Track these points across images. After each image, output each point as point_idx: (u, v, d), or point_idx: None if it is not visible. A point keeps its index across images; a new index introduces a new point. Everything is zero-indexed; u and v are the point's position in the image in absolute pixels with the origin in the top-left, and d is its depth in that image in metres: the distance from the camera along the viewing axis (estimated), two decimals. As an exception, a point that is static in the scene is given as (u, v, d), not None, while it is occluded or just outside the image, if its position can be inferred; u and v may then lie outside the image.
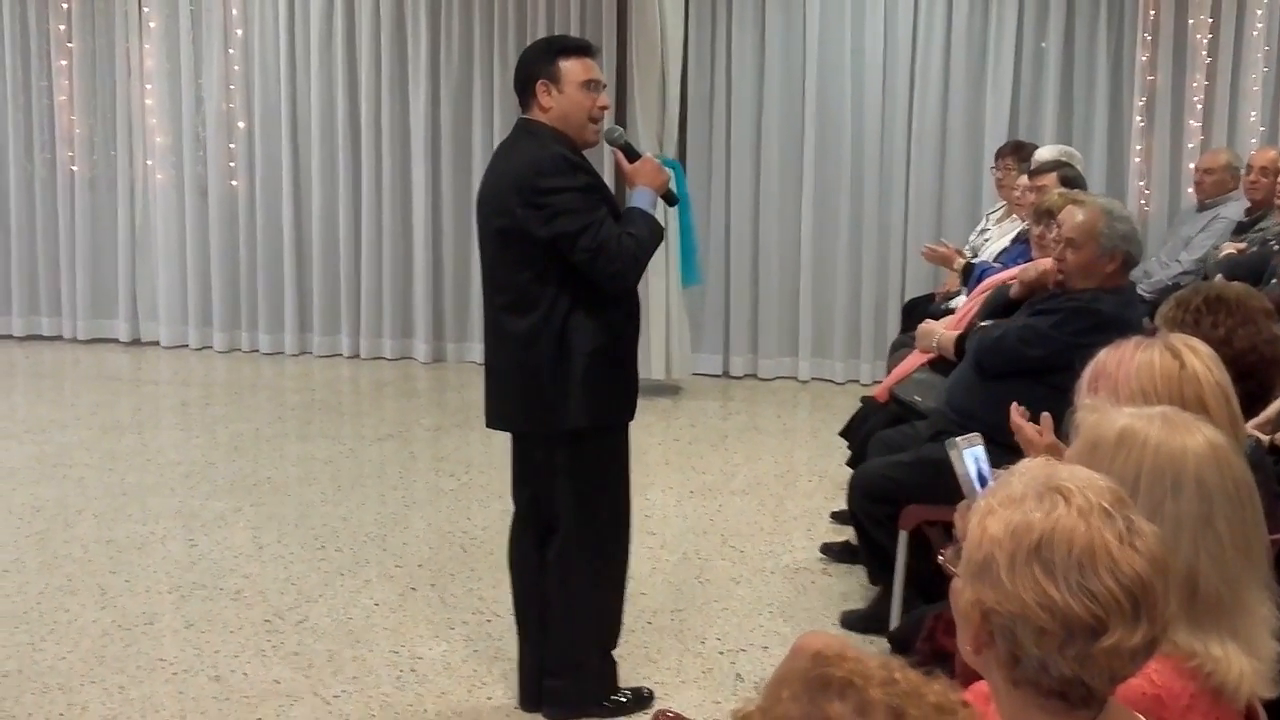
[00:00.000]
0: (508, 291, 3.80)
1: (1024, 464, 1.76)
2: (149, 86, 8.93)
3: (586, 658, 3.97)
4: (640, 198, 3.86)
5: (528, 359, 3.77)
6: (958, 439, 2.78)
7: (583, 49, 3.85)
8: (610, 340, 3.82)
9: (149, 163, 9.01)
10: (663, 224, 3.95)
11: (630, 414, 3.94)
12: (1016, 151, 6.72)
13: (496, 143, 8.38)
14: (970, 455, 2.75)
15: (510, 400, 3.88)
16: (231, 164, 8.95)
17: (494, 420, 4.01)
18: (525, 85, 3.80)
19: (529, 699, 4.04)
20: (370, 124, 8.75)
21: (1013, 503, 1.67)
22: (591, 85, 3.79)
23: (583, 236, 3.65)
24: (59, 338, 9.27)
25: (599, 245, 3.65)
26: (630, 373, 3.92)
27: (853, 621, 4.66)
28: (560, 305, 3.73)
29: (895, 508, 4.37)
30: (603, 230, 3.67)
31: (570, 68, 3.77)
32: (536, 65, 3.78)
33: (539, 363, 3.75)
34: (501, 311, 3.83)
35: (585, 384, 3.76)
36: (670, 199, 4.01)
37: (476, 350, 8.78)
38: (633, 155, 3.95)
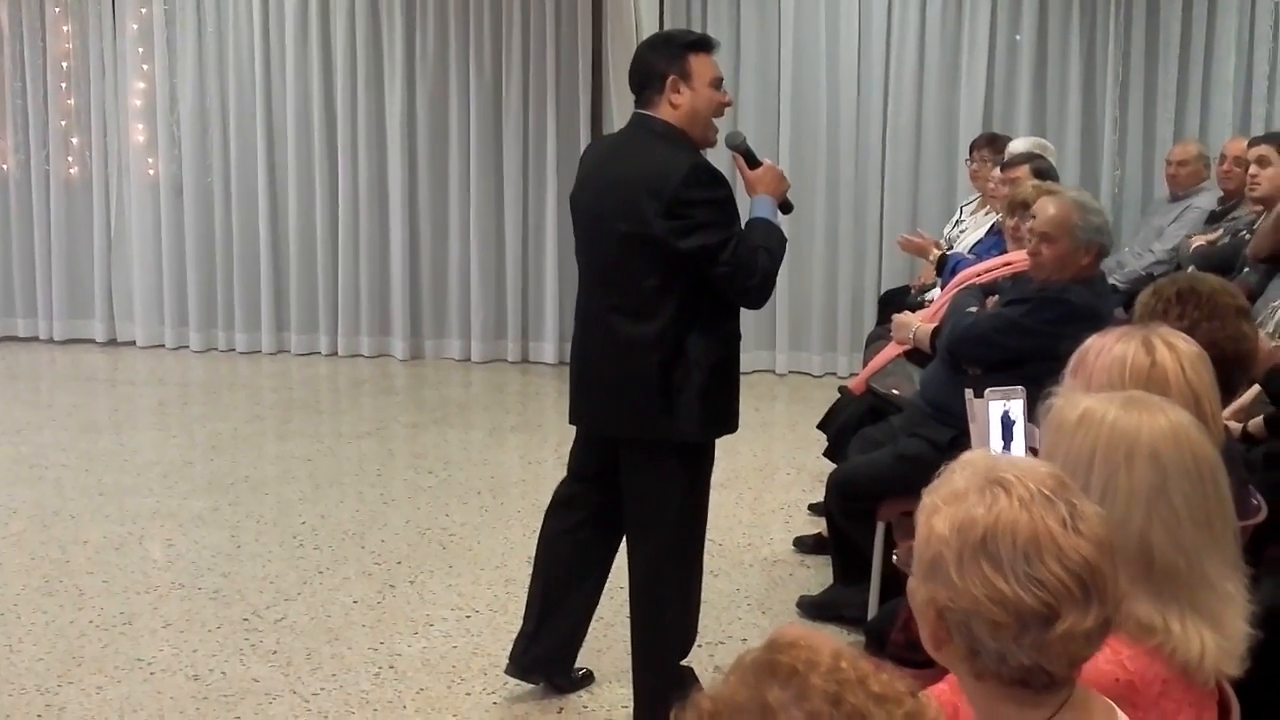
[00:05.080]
0: (626, 295, 3.70)
1: (966, 457, 1.77)
2: (123, 86, 8.89)
3: (673, 667, 3.90)
4: (762, 207, 3.78)
5: (641, 366, 3.68)
6: (997, 389, 2.76)
7: (709, 44, 3.77)
8: (726, 354, 3.79)
9: (124, 162, 8.96)
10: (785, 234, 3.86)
11: (735, 427, 3.89)
12: (991, 143, 6.75)
13: (474, 138, 8.58)
14: (998, 408, 2.73)
15: (613, 404, 3.79)
16: (207, 162, 8.92)
17: (587, 421, 3.93)
18: (651, 81, 3.69)
19: (519, 667, 4.04)
20: (346, 120, 8.72)
21: (955, 499, 1.68)
22: (718, 83, 3.73)
23: (723, 251, 3.57)
24: (35, 339, 9.21)
25: (739, 261, 3.59)
26: (738, 387, 3.86)
27: (807, 608, 4.69)
28: (682, 316, 3.66)
29: (872, 504, 4.38)
30: (742, 246, 3.60)
31: (701, 64, 3.69)
32: (666, 61, 3.68)
33: (653, 371, 3.67)
34: (615, 314, 3.73)
35: (701, 397, 3.70)
36: (787, 207, 3.88)
37: (454, 347, 8.80)
38: (754, 161, 3.85)
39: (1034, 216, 4.29)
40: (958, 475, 1.71)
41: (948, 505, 1.68)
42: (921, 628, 1.71)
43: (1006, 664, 1.64)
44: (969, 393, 2.86)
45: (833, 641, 1.39)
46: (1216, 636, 1.97)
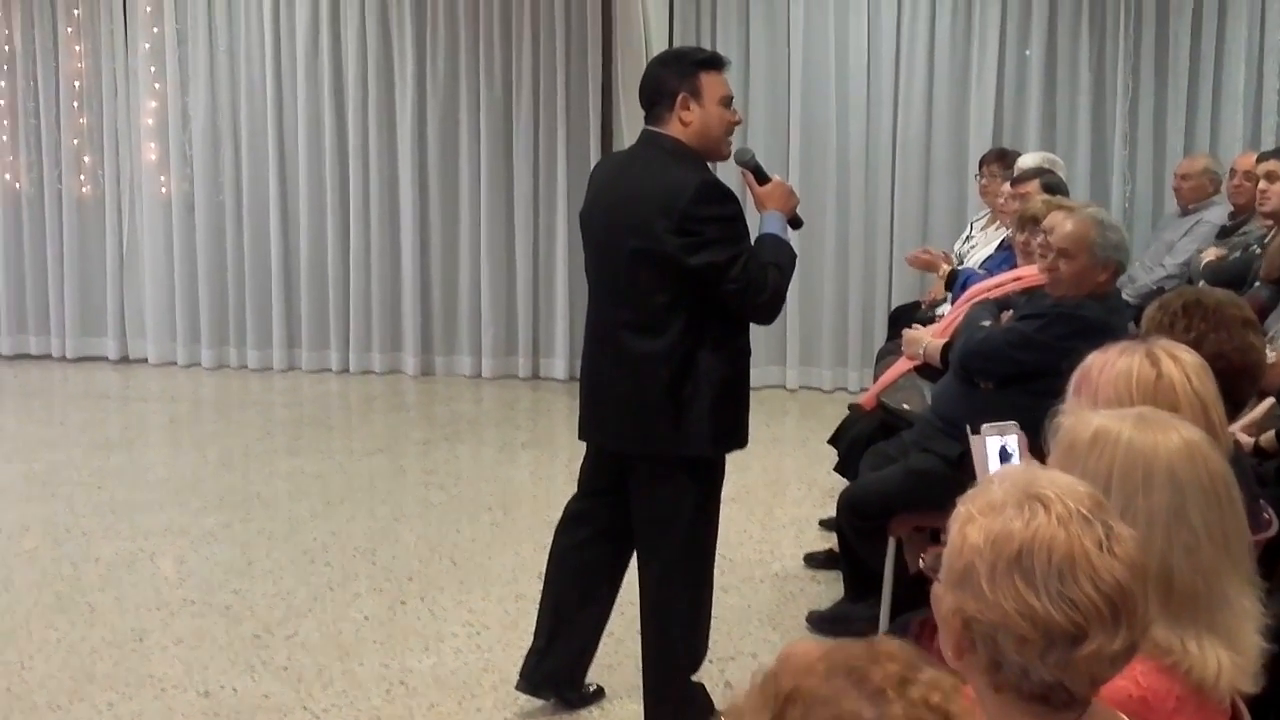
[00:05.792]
0: (637, 311, 3.71)
1: (1004, 469, 1.76)
2: (135, 105, 8.93)
3: (684, 683, 3.88)
4: (771, 223, 3.79)
5: (651, 381, 3.69)
6: (993, 424, 2.78)
7: (720, 62, 3.78)
8: (736, 369, 3.79)
9: (136, 181, 9.00)
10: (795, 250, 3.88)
11: (745, 442, 3.89)
12: (1000, 159, 6.75)
13: (484, 155, 8.61)
14: (995, 443, 2.75)
15: (623, 420, 3.79)
16: (219, 180, 8.95)
17: (598, 436, 3.94)
18: (661, 98, 3.71)
19: (530, 683, 4.04)
20: (357, 138, 8.74)
21: (992, 510, 1.67)
22: (728, 101, 3.75)
23: (732, 268, 3.58)
24: (47, 356, 9.24)
25: (748, 278, 3.60)
26: (748, 402, 3.87)
27: (817, 623, 4.68)
28: (691, 331, 3.67)
29: (883, 521, 4.38)
30: (751, 262, 3.62)
31: (711, 81, 3.70)
32: (677, 78, 3.69)
33: (663, 386, 3.67)
34: (625, 329, 3.74)
35: (712, 412, 3.70)
36: (797, 223, 3.90)
37: (465, 363, 8.80)
38: (763, 178, 3.87)
39: (1044, 232, 4.29)
40: (996, 486, 1.71)
41: (984, 516, 1.67)
42: (944, 635, 1.70)
43: (1028, 679, 1.63)
44: (968, 428, 2.88)
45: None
46: (1233, 655, 1.96)
